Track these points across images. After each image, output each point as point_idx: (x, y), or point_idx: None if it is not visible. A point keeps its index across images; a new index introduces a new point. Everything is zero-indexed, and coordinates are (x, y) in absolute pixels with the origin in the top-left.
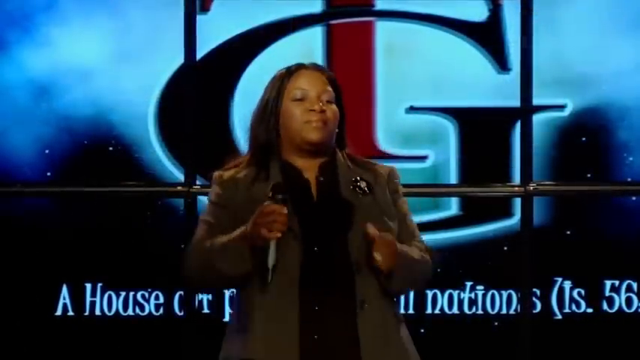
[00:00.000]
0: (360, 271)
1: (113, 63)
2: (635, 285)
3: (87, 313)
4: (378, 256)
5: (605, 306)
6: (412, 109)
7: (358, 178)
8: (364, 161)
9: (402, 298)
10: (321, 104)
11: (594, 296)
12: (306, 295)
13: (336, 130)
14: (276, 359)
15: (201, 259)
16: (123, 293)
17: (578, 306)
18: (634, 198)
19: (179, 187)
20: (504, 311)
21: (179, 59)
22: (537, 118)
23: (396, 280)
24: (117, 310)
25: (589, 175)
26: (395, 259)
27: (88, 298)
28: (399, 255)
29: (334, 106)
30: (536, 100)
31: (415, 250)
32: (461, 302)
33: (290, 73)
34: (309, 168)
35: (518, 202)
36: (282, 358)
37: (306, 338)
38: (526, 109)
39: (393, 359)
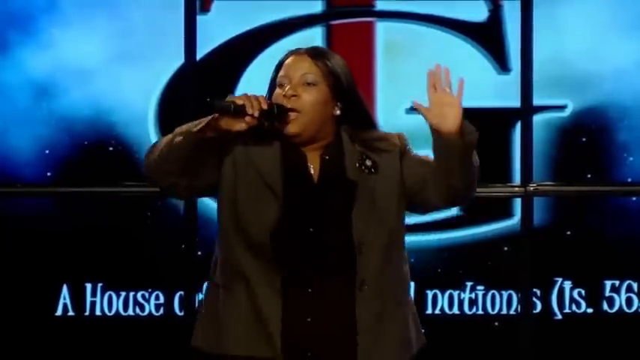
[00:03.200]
0: (361, 251)
1: (113, 63)
2: (635, 285)
3: (87, 313)
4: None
5: (605, 306)
6: (412, 110)
7: (364, 156)
8: (372, 137)
9: None
10: (291, 91)
11: (594, 296)
12: (298, 278)
13: (336, 112)
14: (258, 344)
15: (159, 142)
16: (123, 293)
17: (579, 306)
18: (634, 198)
19: None
20: (504, 311)
21: (179, 60)
22: (537, 119)
23: (462, 161)
24: (117, 310)
25: (589, 176)
26: (460, 119)
27: (89, 298)
28: (464, 121)
29: (315, 90)
30: (537, 101)
31: None
32: (461, 302)
33: (283, 60)
34: (311, 149)
35: (518, 202)
36: (263, 342)
37: (296, 321)
38: (526, 110)
39: (386, 346)
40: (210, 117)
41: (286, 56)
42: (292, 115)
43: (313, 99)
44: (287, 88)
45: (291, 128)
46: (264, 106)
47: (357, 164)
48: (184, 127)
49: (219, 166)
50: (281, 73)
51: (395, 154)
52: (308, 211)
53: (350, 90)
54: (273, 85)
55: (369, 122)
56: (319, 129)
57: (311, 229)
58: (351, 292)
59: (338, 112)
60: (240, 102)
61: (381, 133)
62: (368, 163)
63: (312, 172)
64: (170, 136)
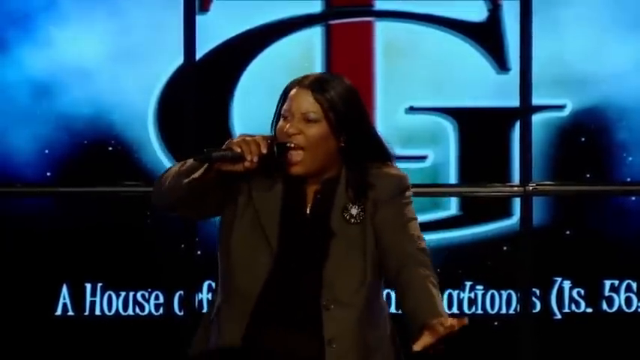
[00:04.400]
0: (328, 308)
1: (113, 63)
2: (634, 285)
3: (87, 313)
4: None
5: (604, 306)
6: (412, 109)
7: (350, 204)
8: (368, 180)
9: None
10: (292, 130)
11: (594, 296)
12: (269, 322)
13: (341, 144)
14: None
15: (166, 173)
16: (123, 293)
17: (578, 306)
18: (634, 198)
19: None
20: (504, 311)
21: (179, 59)
22: (537, 118)
23: None
24: (117, 309)
25: (588, 175)
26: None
27: (88, 298)
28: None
29: (316, 126)
30: (536, 100)
31: (436, 294)
32: (460, 302)
33: (287, 89)
34: (314, 181)
35: (517, 202)
36: None
37: None
38: (526, 109)
39: None
40: (208, 166)
41: (291, 86)
42: (295, 154)
43: (315, 135)
44: (289, 126)
45: (296, 170)
46: (264, 151)
47: (342, 212)
48: (187, 166)
49: (223, 201)
50: (285, 105)
51: (370, 204)
52: (293, 263)
53: (354, 121)
54: (279, 113)
55: (378, 153)
56: (324, 163)
57: (287, 282)
58: (321, 348)
59: (342, 143)
60: (237, 149)
61: (382, 173)
62: (353, 211)
63: (308, 212)
64: (175, 170)
